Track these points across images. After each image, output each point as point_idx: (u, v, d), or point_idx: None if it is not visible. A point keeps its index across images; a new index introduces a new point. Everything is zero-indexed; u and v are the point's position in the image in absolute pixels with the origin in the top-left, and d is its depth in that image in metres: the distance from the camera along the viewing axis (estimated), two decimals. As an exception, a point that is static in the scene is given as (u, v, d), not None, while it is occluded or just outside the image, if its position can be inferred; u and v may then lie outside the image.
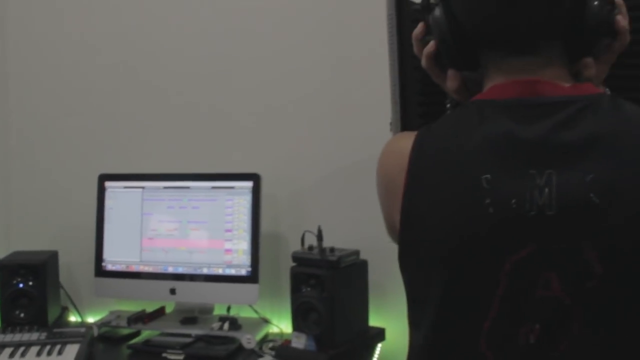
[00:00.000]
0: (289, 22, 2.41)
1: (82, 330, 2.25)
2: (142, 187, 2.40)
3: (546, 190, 0.97)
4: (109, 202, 2.42)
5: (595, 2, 1.07)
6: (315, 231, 2.16)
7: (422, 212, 1.04)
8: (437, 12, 1.13)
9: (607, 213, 0.96)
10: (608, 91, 1.13)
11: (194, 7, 2.51)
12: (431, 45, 1.15)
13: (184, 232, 2.35)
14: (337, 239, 2.18)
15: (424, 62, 1.18)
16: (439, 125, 1.10)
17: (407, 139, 1.09)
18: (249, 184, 2.30)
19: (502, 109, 1.04)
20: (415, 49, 1.19)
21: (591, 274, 0.96)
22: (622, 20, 1.09)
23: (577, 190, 0.96)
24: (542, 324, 0.98)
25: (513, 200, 0.98)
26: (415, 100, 1.36)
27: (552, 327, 0.98)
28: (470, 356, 1.02)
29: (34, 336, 2.17)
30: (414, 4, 1.30)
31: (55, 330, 2.25)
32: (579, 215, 0.96)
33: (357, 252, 2.21)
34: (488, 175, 0.99)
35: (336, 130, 2.38)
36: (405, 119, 1.37)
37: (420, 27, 1.18)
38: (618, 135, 0.98)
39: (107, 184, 2.43)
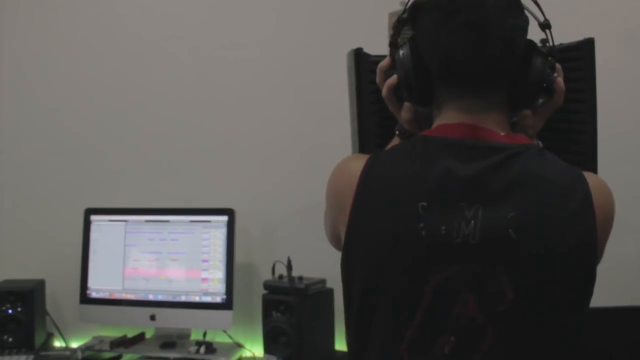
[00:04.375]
0: (262, 72, 2.56)
1: (67, 353, 2.37)
2: (125, 221, 2.51)
3: (472, 222, 1.07)
4: (94, 234, 2.52)
5: (539, 63, 1.17)
6: (285, 261, 2.29)
7: (365, 229, 1.12)
8: (405, 49, 1.20)
9: (521, 247, 1.06)
10: (540, 143, 1.21)
11: (177, 57, 2.64)
12: (394, 78, 1.21)
13: (163, 263, 2.46)
14: (305, 269, 2.31)
15: (384, 91, 1.24)
16: (388, 154, 1.18)
17: (359, 161, 1.16)
18: (224, 218, 2.41)
19: (445, 147, 1.12)
20: (378, 79, 1.26)
21: (503, 298, 1.05)
22: (561, 82, 1.20)
23: (498, 225, 1.06)
24: (457, 337, 1.07)
25: (443, 227, 1.07)
26: (373, 141, 1.40)
27: (466, 341, 1.07)
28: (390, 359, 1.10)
29: (22, 359, 2.29)
30: (371, 56, 1.39)
31: (42, 353, 2.36)
32: (497, 246, 1.06)
33: (323, 281, 2.34)
34: (424, 203, 1.07)
35: (303, 170, 2.51)
36: None
37: (386, 60, 1.24)
38: (536, 182, 1.08)
39: (93, 217, 2.53)
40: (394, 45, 1.22)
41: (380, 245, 1.11)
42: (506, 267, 1.06)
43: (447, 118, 1.17)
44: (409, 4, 1.20)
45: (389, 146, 1.32)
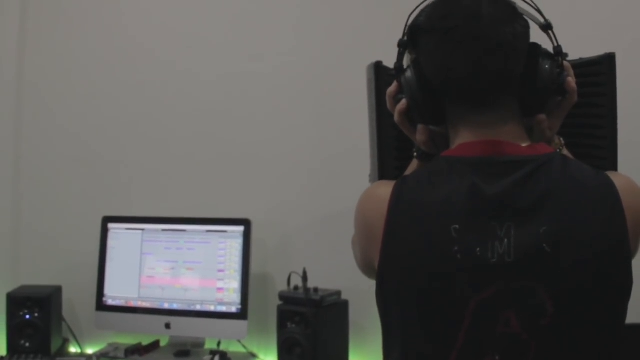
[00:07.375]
0: (280, 85, 2.57)
1: (82, 359, 2.39)
2: (142, 229, 2.52)
3: (505, 240, 1.07)
4: (111, 242, 2.54)
5: (547, 65, 1.16)
6: (301, 272, 2.29)
7: (399, 255, 1.11)
8: (409, 73, 1.20)
9: (557, 260, 1.06)
10: (562, 141, 1.24)
11: (194, 70, 2.65)
12: (403, 103, 1.21)
13: (179, 272, 2.46)
14: (321, 280, 2.31)
15: (396, 117, 1.23)
16: (414, 177, 1.17)
17: (386, 188, 1.15)
18: (240, 229, 2.42)
19: (468, 166, 1.11)
20: (389, 106, 1.26)
21: (544, 312, 1.06)
22: (572, 81, 1.18)
23: (531, 241, 1.06)
24: (501, 356, 1.07)
25: (478, 249, 1.07)
26: (392, 154, 1.40)
27: (510, 358, 1.07)
28: None
29: (38, 364, 2.31)
30: (390, 69, 1.37)
31: (58, 359, 2.38)
32: (533, 262, 1.06)
33: (339, 293, 2.34)
34: (457, 226, 1.07)
35: (320, 181, 2.51)
36: (382, 171, 1.40)
37: (393, 86, 1.23)
38: (565, 192, 1.08)
39: (110, 225, 2.55)
40: (398, 69, 1.23)
41: (416, 272, 1.10)
42: (544, 282, 1.06)
43: (465, 136, 1.17)
44: (407, 26, 1.20)
45: (409, 169, 1.32)
